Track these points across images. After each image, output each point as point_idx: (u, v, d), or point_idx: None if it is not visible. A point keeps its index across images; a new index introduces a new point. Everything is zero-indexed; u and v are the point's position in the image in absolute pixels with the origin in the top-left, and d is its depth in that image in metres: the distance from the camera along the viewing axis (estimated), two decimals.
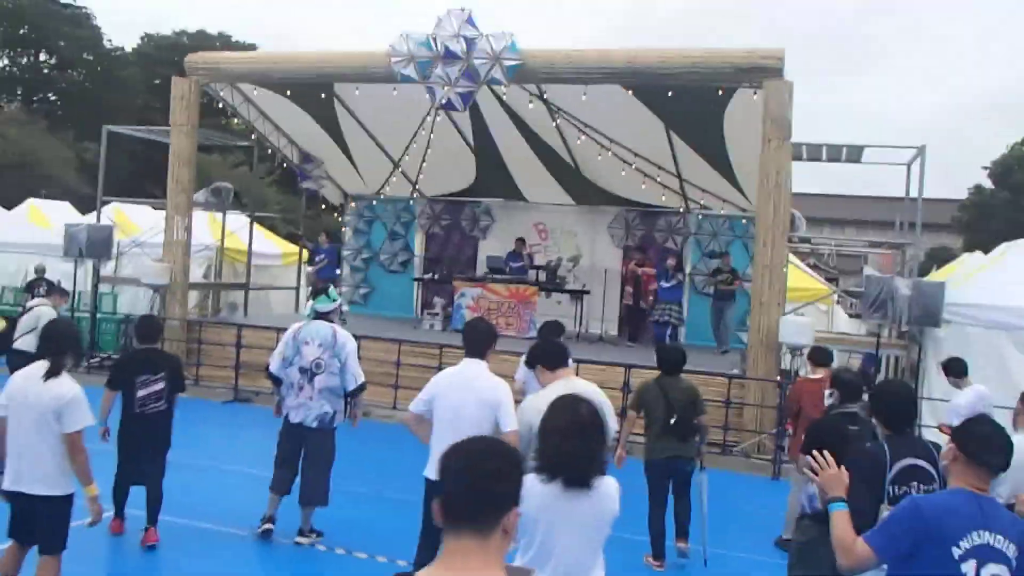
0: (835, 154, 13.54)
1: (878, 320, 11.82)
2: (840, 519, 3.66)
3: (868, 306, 11.58)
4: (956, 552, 3.30)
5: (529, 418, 5.17)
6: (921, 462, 4.27)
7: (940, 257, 33.64)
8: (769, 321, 12.20)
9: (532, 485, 3.49)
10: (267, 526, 7.42)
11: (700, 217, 18.12)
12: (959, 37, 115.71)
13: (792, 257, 17.07)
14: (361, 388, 7.43)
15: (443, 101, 13.80)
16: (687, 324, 17.54)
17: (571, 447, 3.53)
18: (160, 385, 7.13)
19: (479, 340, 5.80)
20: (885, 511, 4.01)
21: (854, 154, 13.51)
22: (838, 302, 18.41)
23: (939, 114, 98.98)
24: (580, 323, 16.67)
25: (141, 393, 7.08)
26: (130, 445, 7.20)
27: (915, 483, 4.22)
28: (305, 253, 21.86)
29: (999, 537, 3.33)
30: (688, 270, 17.63)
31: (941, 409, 10.81)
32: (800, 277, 18.08)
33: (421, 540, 5.87)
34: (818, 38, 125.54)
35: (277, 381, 7.47)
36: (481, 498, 2.15)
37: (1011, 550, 3.32)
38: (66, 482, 5.24)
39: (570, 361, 8.28)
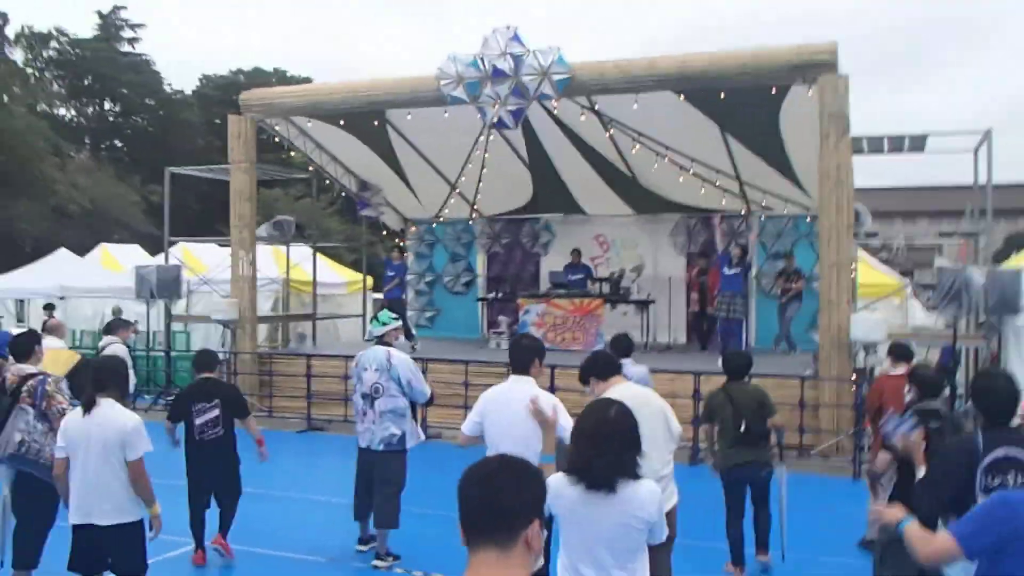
0: (897, 145, 13.22)
1: (953, 312, 11.49)
2: (913, 528, 3.58)
3: (942, 298, 11.27)
4: None
5: None
6: (1018, 451, 4.12)
7: (1020, 243, 32.69)
8: (839, 319, 11.94)
9: (561, 486, 3.60)
10: (360, 547, 7.75)
11: (763, 218, 17.84)
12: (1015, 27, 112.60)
13: (862, 253, 16.74)
14: (429, 402, 7.77)
15: (494, 120, 13.84)
16: (757, 328, 17.31)
17: (594, 450, 3.56)
18: (216, 412, 7.39)
19: (523, 356, 5.74)
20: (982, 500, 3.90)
21: (917, 143, 13.18)
22: (913, 296, 17.95)
23: (1005, 104, 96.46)
24: (647, 333, 16.52)
25: (198, 421, 7.38)
26: (198, 473, 7.45)
27: (1012, 472, 4.08)
28: (369, 280, 22.10)
29: None
30: (754, 272, 17.35)
31: None
32: (871, 273, 17.69)
33: None
34: (873, 38, 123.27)
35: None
36: (495, 512, 2.16)
37: None
38: (136, 509, 5.43)
39: (633, 370, 8.35)
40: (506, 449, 5.17)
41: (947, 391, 13.50)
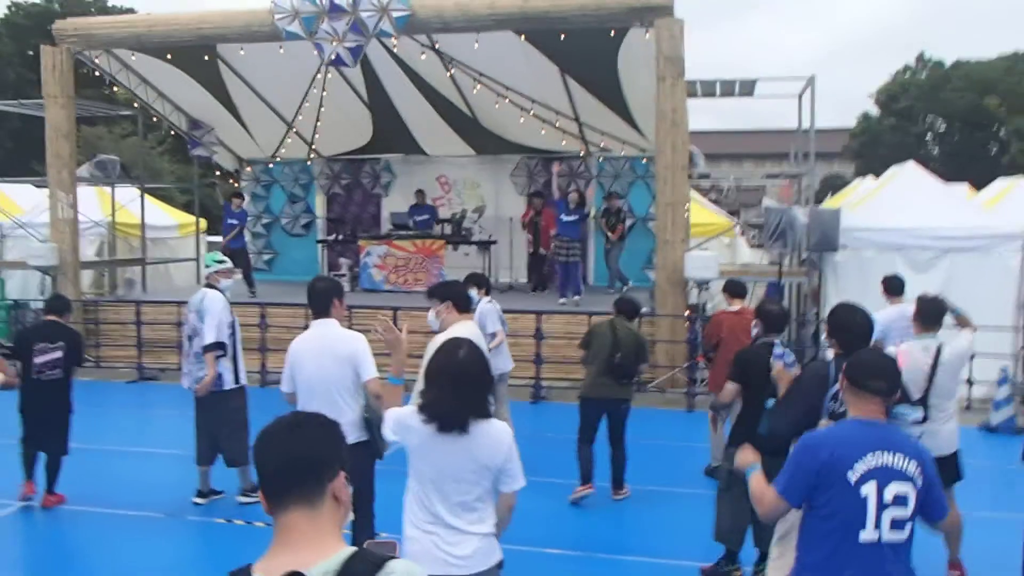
0: (728, 89, 13.66)
1: (779, 249, 12.04)
2: (755, 479, 3.70)
3: (769, 236, 11.79)
4: (852, 476, 3.32)
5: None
6: None
7: (835, 184, 34.56)
8: (674, 257, 12.33)
9: (413, 421, 3.59)
10: (197, 500, 7.61)
11: (601, 160, 18.13)
12: None
13: (694, 194, 17.28)
14: (210, 347, 7.35)
15: (332, 57, 13.45)
16: (595, 268, 17.71)
17: (446, 391, 3.55)
18: (57, 354, 7.43)
19: (321, 298, 5.58)
20: (824, 425, 4.11)
21: (747, 88, 13.66)
22: (740, 234, 18.74)
23: (827, 47, 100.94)
24: (489, 273, 16.58)
25: (38, 360, 7.37)
26: (31, 412, 7.44)
27: None
28: (203, 223, 21.27)
29: (898, 456, 3.35)
30: (592, 213, 17.65)
31: None
32: (702, 213, 18.33)
33: None
34: None
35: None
36: (301, 463, 2.05)
37: (911, 467, 3.35)
38: None
39: (488, 307, 8.47)
40: (328, 394, 5.28)
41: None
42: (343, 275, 16.85)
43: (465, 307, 6.06)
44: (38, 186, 17.22)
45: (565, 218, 15.33)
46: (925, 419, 5.50)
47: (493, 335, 8.24)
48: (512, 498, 3.73)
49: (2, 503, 7.52)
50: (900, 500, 3.32)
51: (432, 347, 5.30)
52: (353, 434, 5.21)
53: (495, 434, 3.60)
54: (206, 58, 15.43)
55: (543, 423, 10.82)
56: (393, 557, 1.97)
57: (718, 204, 21.72)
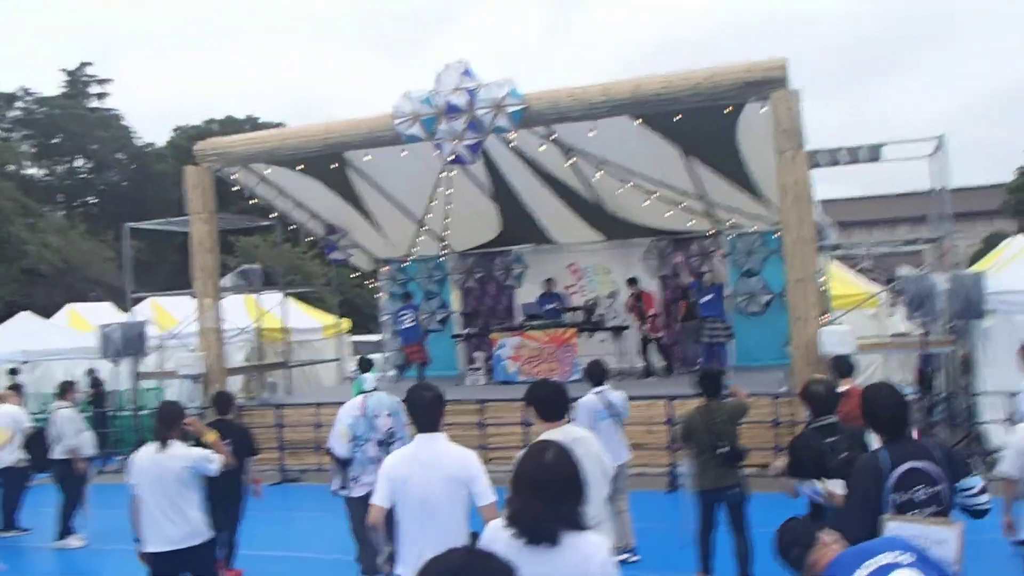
0: (853, 156, 13.14)
1: (921, 319, 11.36)
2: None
3: (909, 305, 11.14)
4: None
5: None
6: (923, 464, 4.03)
7: (996, 243, 32.73)
8: (808, 335, 11.80)
9: (501, 535, 3.25)
10: None
11: (732, 237, 17.76)
12: (968, 32, 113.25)
13: (836, 265, 16.64)
14: None
15: (452, 156, 13.72)
16: (736, 346, 17.17)
17: (530, 500, 3.21)
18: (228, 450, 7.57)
19: (427, 410, 4.91)
20: (889, 521, 3.76)
21: (872, 153, 13.11)
22: (892, 304, 17.85)
23: (968, 106, 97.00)
24: (622, 359, 16.36)
25: None
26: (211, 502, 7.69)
27: (920, 487, 3.98)
28: (346, 323, 21.90)
29: (899, 552, 3.30)
30: (727, 291, 17.24)
31: (1000, 402, 10.33)
32: (846, 284, 17.58)
33: None
34: (832, 48, 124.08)
35: (343, 462, 7.54)
36: None
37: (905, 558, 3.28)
38: (208, 527, 6.36)
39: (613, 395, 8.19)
40: (436, 518, 4.58)
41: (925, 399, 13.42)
42: (478, 368, 16.95)
43: (549, 414, 5.16)
44: (192, 297, 18.12)
45: (704, 300, 15.10)
46: None
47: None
48: None
49: None
50: None
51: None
52: None
53: (588, 549, 3.19)
54: (335, 166, 16.04)
55: (679, 513, 10.38)
56: None
57: (866, 272, 20.82)
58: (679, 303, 16.83)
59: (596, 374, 8.63)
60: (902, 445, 4.08)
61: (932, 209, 14.66)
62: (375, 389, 7.63)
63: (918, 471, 3.97)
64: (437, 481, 4.65)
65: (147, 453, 6.26)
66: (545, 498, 3.19)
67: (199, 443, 6.89)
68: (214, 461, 6.43)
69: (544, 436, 5.00)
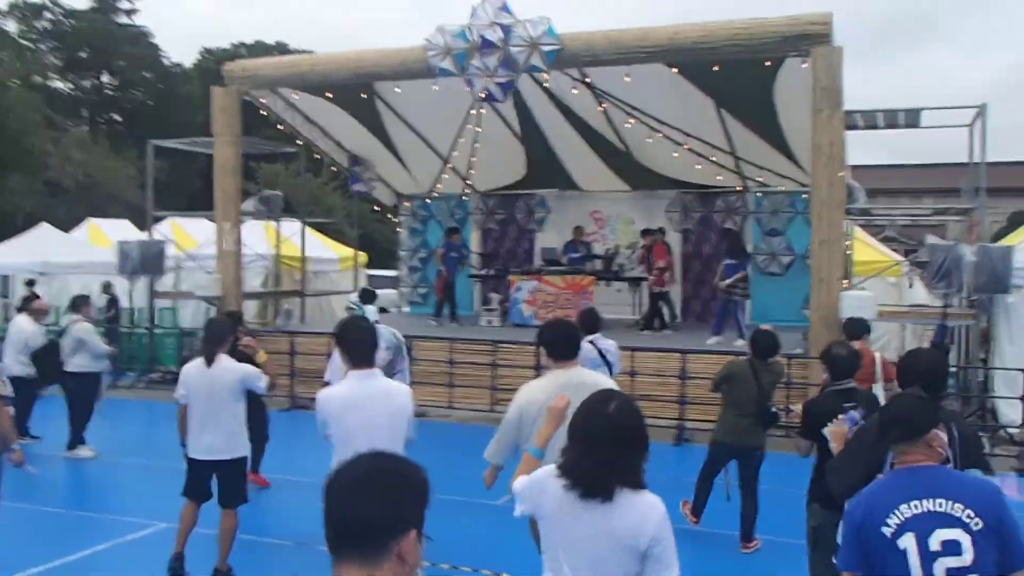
0: (892, 120, 12.91)
1: (944, 290, 11.21)
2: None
3: (932, 276, 10.99)
4: (887, 531, 3.04)
5: (519, 402, 5.03)
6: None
7: (1021, 221, 32.33)
8: (830, 298, 11.69)
9: (551, 485, 3.11)
10: None
11: (758, 195, 17.56)
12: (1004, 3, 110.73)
13: (860, 232, 16.45)
14: None
15: (483, 93, 13.55)
16: (752, 306, 17.04)
17: (587, 451, 3.06)
18: None
19: (363, 345, 4.98)
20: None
21: (912, 118, 12.88)
22: (911, 273, 17.69)
23: (1001, 81, 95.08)
24: (639, 311, 16.29)
25: None
26: None
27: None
28: (363, 257, 21.87)
29: (942, 501, 3.02)
30: (749, 249, 17.09)
31: (1017, 379, 10.24)
32: (867, 251, 17.42)
33: None
34: (870, 11, 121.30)
35: None
36: (355, 527, 1.89)
37: (959, 510, 3.01)
38: (245, 445, 6.57)
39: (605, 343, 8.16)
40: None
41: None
42: (494, 310, 16.92)
43: (561, 353, 5.12)
44: (211, 220, 18.11)
45: (727, 261, 14.94)
46: None
47: None
48: None
49: (149, 522, 7.77)
50: (951, 547, 2.96)
51: (522, 394, 5.06)
52: None
53: (643, 508, 3.02)
54: (364, 96, 15.88)
55: (684, 467, 10.39)
56: None
57: (892, 242, 20.62)
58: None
59: (590, 322, 8.50)
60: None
61: (963, 181, 14.44)
62: (376, 322, 7.53)
63: None
64: (380, 415, 4.81)
65: (197, 366, 6.44)
66: (602, 451, 3.03)
67: (251, 361, 7.01)
68: (263, 379, 6.59)
69: (551, 376, 5.11)
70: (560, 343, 5.15)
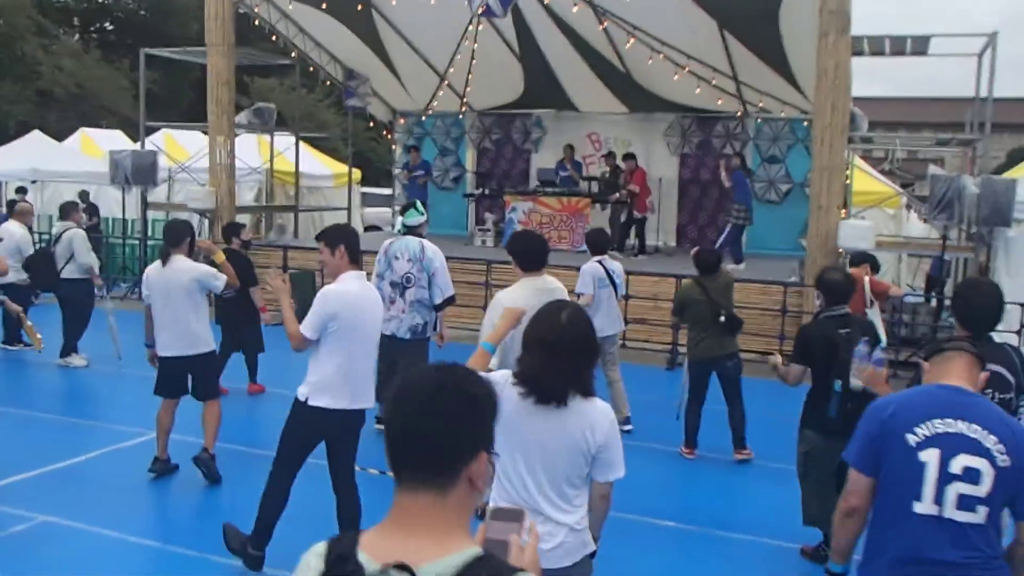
0: (899, 47, 12.68)
1: (944, 221, 11.14)
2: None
3: (933, 207, 10.90)
4: (911, 439, 2.94)
5: (498, 306, 5.09)
6: (998, 368, 3.84)
7: (1020, 158, 32.14)
8: (828, 226, 11.61)
9: (508, 391, 3.16)
10: (378, 426, 7.44)
11: (759, 121, 17.35)
12: None
13: (859, 162, 16.29)
14: (448, 301, 7.57)
15: (481, 7, 13.24)
16: (748, 232, 16.97)
17: (543, 361, 3.15)
18: None
19: (351, 242, 5.19)
20: None
21: (920, 45, 12.65)
22: (909, 206, 17.60)
23: (1016, 9, 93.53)
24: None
25: None
26: (224, 324, 8.97)
27: (989, 390, 3.74)
28: (357, 173, 21.66)
29: (977, 428, 2.92)
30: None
31: (1013, 314, 10.24)
32: (867, 181, 17.30)
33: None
34: None
35: None
36: (429, 447, 1.74)
37: (991, 442, 2.90)
38: (208, 341, 6.75)
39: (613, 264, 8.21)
40: (361, 355, 5.10)
41: (933, 301, 13.35)
42: (488, 230, 16.80)
43: (526, 264, 5.42)
44: (205, 133, 17.86)
45: (727, 182, 14.79)
46: None
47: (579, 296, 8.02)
48: (606, 488, 3.31)
49: (140, 430, 7.78)
50: (970, 474, 2.88)
51: (504, 299, 5.14)
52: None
53: (594, 414, 3.19)
54: (359, 7, 15.53)
55: (675, 390, 10.45)
56: (520, 570, 1.67)
57: (890, 175, 20.47)
58: None
59: (598, 243, 8.66)
60: (982, 345, 3.86)
61: (967, 114, 14.27)
62: (408, 231, 7.60)
63: (993, 374, 3.69)
64: (375, 317, 5.24)
65: (156, 267, 6.62)
66: (556, 359, 3.13)
67: (209, 262, 7.13)
68: (219, 279, 6.69)
69: (522, 283, 5.35)
70: (529, 254, 5.46)
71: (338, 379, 5.03)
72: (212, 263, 7.11)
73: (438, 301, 7.47)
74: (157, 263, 6.64)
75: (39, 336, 9.06)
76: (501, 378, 3.27)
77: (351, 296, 5.05)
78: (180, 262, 6.56)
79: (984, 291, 4.09)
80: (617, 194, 15.33)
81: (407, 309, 7.46)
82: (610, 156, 16.31)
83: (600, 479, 3.28)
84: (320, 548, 1.75)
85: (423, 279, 7.41)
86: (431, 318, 7.56)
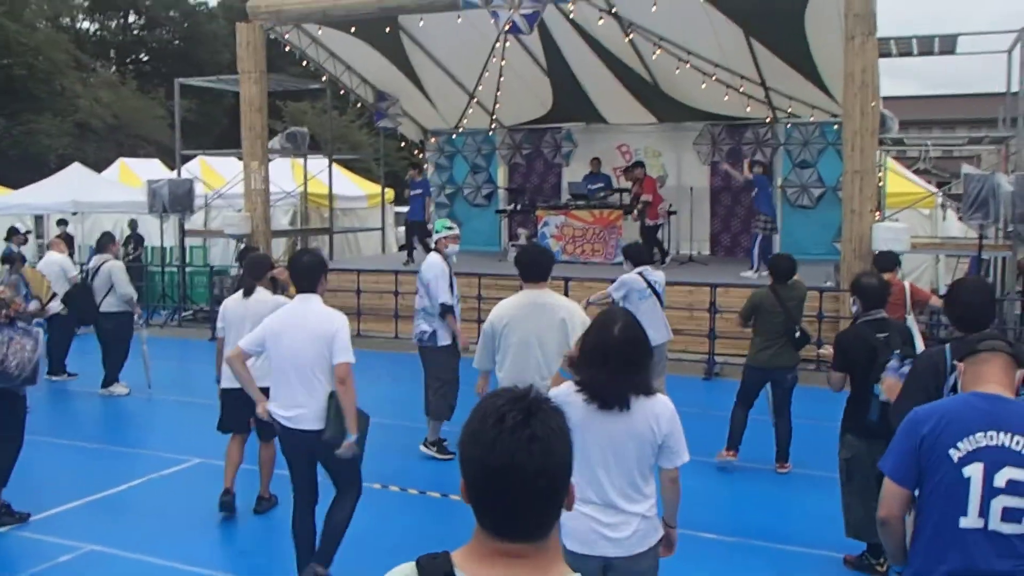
0: (927, 46, 12.59)
1: (979, 220, 11.01)
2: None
3: (968, 206, 10.78)
4: (954, 454, 2.92)
5: (491, 317, 5.57)
6: None
7: None
8: (861, 229, 11.54)
9: (574, 399, 3.40)
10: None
11: (789, 126, 17.26)
12: None
13: (892, 163, 16.17)
14: (443, 308, 7.86)
15: (508, 25, 13.33)
16: (781, 238, 16.89)
17: (601, 370, 3.43)
18: None
19: (306, 274, 5.23)
20: None
21: (947, 44, 12.55)
22: (944, 206, 17.41)
23: None
24: (669, 244, 16.18)
25: None
26: None
27: None
28: (390, 193, 21.85)
29: (1017, 438, 2.89)
30: (779, 182, 16.90)
31: None
32: (901, 183, 17.16)
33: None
34: None
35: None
36: (539, 497, 1.66)
37: None
38: None
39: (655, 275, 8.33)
40: (295, 378, 5.09)
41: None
42: (520, 245, 16.84)
43: (530, 275, 5.63)
44: (240, 158, 18.13)
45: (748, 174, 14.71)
46: None
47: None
48: (675, 473, 3.62)
49: (184, 458, 7.95)
50: (1015, 487, 2.86)
51: (494, 310, 5.58)
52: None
53: (658, 407, 3.50)
54: (388, 30, 15.70)
55: (713, 400, 10.41)
56: None
57: (925, 175, 20.27)
58: None
59: (637, 255, 8.78)
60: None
61: (1000, 110, 14.11)
62: (435, 250, 8.11)
63: None
64: (304, 338, 5.08)
65: (235, 299, 6.73)
66: (612, 369, 3.41)
67: (286, 292, 7.28)
68: None
69: (520, 295, 5.64)
70: (529, 266, 5.69)
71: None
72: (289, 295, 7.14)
73: (434, 310, 7.94)
74: (237, 295, 6.71)
75: None
76: (565, 389, 3.52)
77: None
78: (262, 294, 6.66)
79: (973, 288, 4.12)
80: (634, 211, 15.21)
81: (415, 318, 8.21)
82: (636, 166, 15.95)
83: (668, 465, 3.58)
84: (407, 569, 1.69)
85: (422, 290, 7.97)
86: (439, 325, 7.93)
